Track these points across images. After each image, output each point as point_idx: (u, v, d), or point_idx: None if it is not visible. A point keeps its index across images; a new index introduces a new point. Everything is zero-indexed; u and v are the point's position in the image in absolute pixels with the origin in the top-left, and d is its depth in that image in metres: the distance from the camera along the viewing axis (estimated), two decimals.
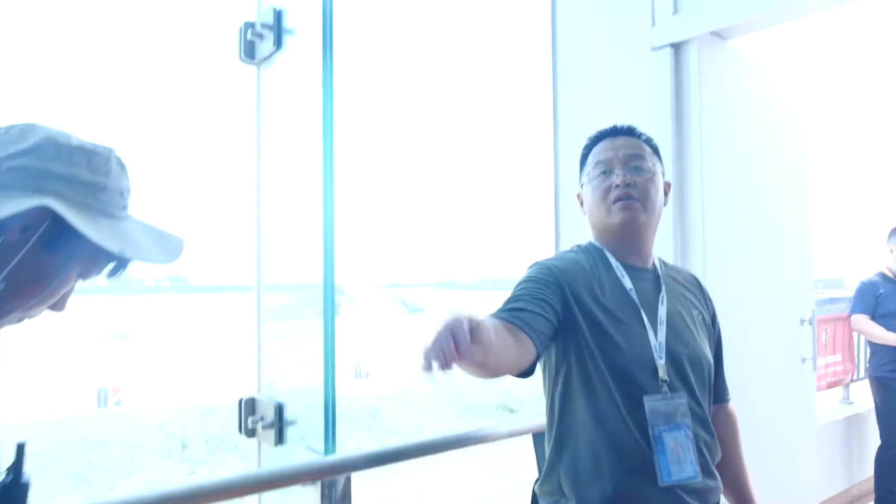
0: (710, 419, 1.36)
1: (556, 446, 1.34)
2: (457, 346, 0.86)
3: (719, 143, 2.34)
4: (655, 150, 1.44)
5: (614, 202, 1.36)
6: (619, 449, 1.26)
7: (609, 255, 1.40)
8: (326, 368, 1.60)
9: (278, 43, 1.85)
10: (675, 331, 1.35)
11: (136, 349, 23.50)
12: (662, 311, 1.35)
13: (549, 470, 1.35)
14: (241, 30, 1.94)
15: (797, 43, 2.86)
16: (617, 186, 1.36)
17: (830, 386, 4.39)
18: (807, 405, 2.71)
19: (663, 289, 1.39)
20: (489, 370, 1.07)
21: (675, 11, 2.32)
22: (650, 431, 1.25)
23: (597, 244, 1.44)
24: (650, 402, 1.26)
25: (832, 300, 4.51)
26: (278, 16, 1.85)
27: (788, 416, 2.62)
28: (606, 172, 1.38)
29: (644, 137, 1.44)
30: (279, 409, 1.80)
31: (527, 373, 1.25)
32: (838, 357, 4.55)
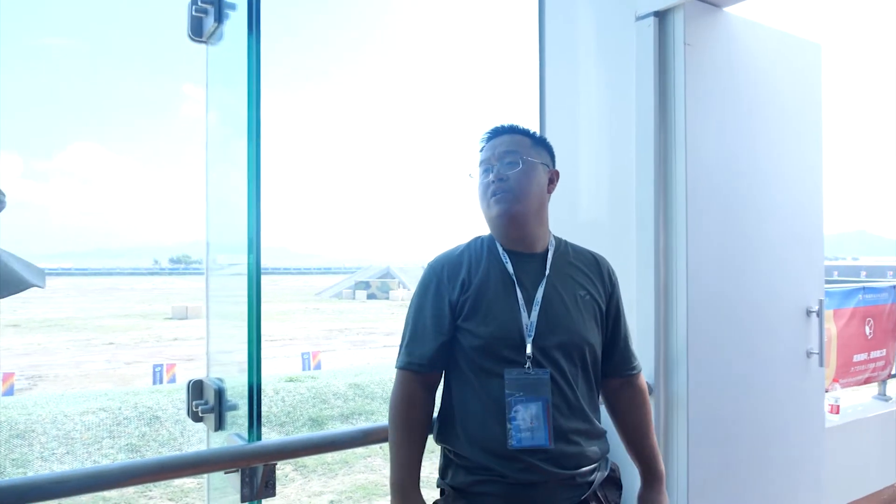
0: (580, 393, 1.47)
1: (442, 408, 1.53)
2: None
3: (709, 118, 2.17)
4: (539, 143, 1.58)
5: (491, 196, 1.52)
6: (479, 415, 1.42)
7: (497, 244, 1.55)
8: (251, 355, 1.55)
9: (219, 18, 1.79)
10: (551, 312, 1.47)
11: (193, 328, 24.32)
12: (539, 293, 1.47)
13: (439, 429, 1.53)
14: (188, 5, 1.88)
15: (809, 6, 2.62)
16: (492, 182, 1.51)
17: (868, 381, 4.13)
18: (814, 403, 2.51)
19: (546, 272, 1.51)
20: None
21: None
22: (505, 401, 1.39)
23: (491, 235, 1.59)
24: (510, 375, 1.41)
25: (872, 290, 4.20)
26: None
27: (793, 414, 2.43)
28: (487, 170, 1.54)
29: (527, 132, 1.58)
30: (219, 394, 1.77)
31: None
32: (882, 352, 4.26)
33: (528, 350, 1.42)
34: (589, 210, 2.44)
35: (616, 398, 1.63)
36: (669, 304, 2.15)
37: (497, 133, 1.58)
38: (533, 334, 1.43)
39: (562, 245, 1.60)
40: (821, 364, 2.48)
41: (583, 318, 1.50)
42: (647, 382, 2.14)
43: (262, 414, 1.60)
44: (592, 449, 1.47)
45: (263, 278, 1.63)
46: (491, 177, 1.52)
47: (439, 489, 1.54)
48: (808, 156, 2.50)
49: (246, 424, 1.57)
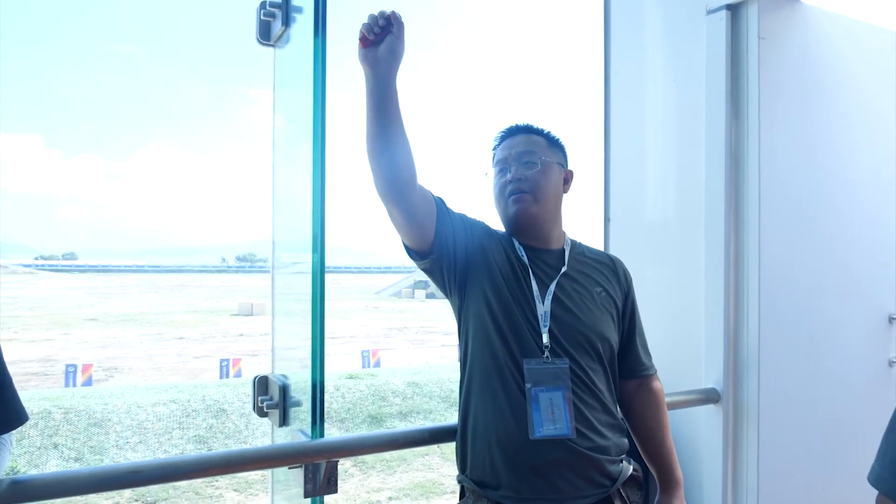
0: (599, 386, 1.44)
1: (463, 398, 1.48)
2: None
3: (784, 114, 2.07)
4: (554, 143, 1.57)
5: (509, 196, 1.51)
6: (501, 402, 1.39)
7: (514, 240, 1.54)
8: (314, 354, 1.58)
9: (286, 21, 1.82)
10: (567, 303, 1.46)
11: (258, 324, 25.05)
12: (553, 285, 1.47)
13: (461, 419, 1.49)
14: (257, 10, 1.93)
15: None
16: (510, 182, 1.51)
17: None
18: None
19: (564, 267, 1.51)
20: (386, 136, 1.35)
21: None
22: (526, 390, 1.37)
23: (506, 232, 1.58)
24: (529, 364, 1.39)
25: None
26: None
27: (873, 426, 2.30)
28: (504, 170, 1.53)
29: (542, 132, 1.57)
30: (284, 390, 1.80)
31: (414, 251, 1.46)
32: None
33: (545, 339, 1.41)
34: (655, 209, 2.37)
35: (631, 400, 1.59)
36: (740, 308, 2.07)
37: (512, 133, 1.58)
38: (548, 324, 1.42)
39: (577, 245, 1.60)
40: None
41: (600, 313, 1.49)
42: (714, 389, 2.08)
43: (325, 409, 1.62)
44: (614, 441, 1.44)
45: (325, 276, 1.65)
46: (508, 176, 1.51)
47: (460, 485, 1.51)
48: (892, 153, 2.36)
49: (309, 421, 1.60)
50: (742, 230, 2.07)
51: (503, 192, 1.52)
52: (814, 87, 2.16)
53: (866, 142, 2.28)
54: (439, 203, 1.46)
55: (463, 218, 1.51)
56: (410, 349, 19.56)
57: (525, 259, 1.50)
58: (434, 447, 7.63)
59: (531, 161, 1.51)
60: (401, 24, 1.37)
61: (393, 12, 1.36)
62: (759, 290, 2.02)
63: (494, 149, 1.60)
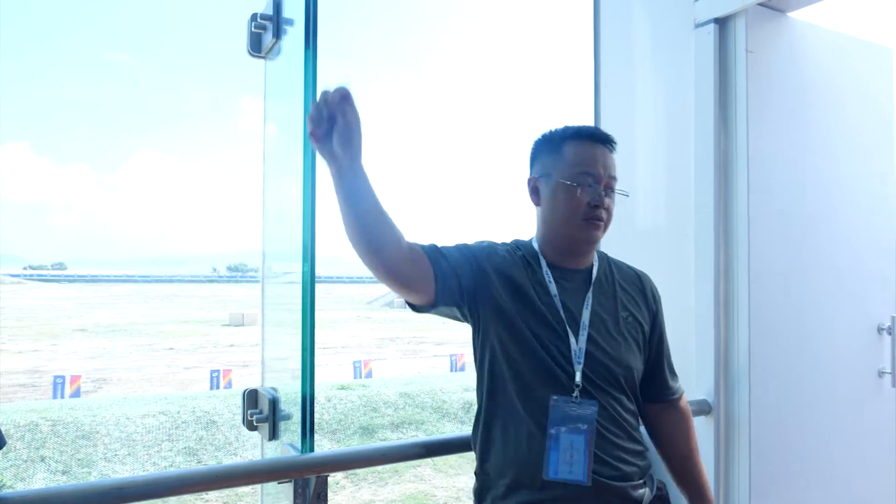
0: (624, 415, 1.39)
1: (483, 430, 1.41)
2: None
3: (772, 126, 2.09)
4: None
5: (587, 219, 1.38)
6: (521, 440, 1.33)
7: (542, 259, 1.43)
8: (304, 366, 1.57)
9: (277, 34, 1.83)
10: (597, 337, 1.38)
11: (249, 335, 24.91)
12: (585, 316, 1.38)
13: (480, 452, 1.42)
14: (248, 22, 1.93)
15: (888, 8, 2.51)
16: (596, 207, 1.38)
17: None
18: (886, 425, 2.38)
19: (590, 291, 1.42)
20: (363, 227, 1.23)
21: None
22: (547, 429, 1.31)
23: (534, 246, 1.47)
24: (556, 403, 1.32)
25: None
26: (277, 6, 1.82)
27: (863, 436, 2.31)
28: (591, 187, 1.38)
29: (616, 149, 1.45)
30: (273, 403, 1.78)
31: (420, 307, 1.36)
32: None
33: (578, 378, 1.34)
34: (645, 219, 2.38)
35: (658, 423, 1.54)
36: (730, 319, 2.08)
37: (601, 141, 1.44)
38: (582, 362, 1.35)
39: (604, 261, 1.51)
40: (894, 384, 2.35)
41: (626, 343, 1.42)
42: (705, 400, 2.08)
43: (314, 422, 1.60)
44: (638, 466, 1.40)
45: (316, 287, 1.63)
46: (598, 201, 1.39)
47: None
48: (879, 165, 2.39)
49: (299, 434, 1.58)
50: (731, 241, 2.08)
51: (580, 209, 1.39)
52: (801, 98, 2.18)
53: (852, 152, 2.30)
54: (432, 255, 1.33)
55: (463, 253, 1.38)
56: (402, 359, 19.49)
57: (553, 286, 1.40)
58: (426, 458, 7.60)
59: (614, 189, 1.42)
60: (348, 102, 1.17)
61: (337, 89, 1.17)
62: (748, 300, 2.03)
63: (561, 139, 1.43)
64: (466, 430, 1.62)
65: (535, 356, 1.34)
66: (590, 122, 2.52)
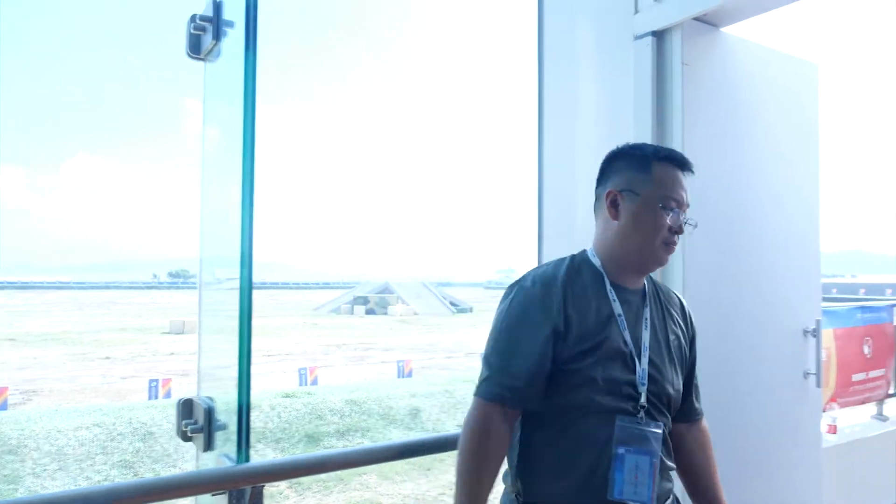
0: (669, 441, 1.42)
1: (534, 449, 1.39)
2: None
3: (706, 136, 2.16)
4: None
5: (665, 244, 1.41)
6: (574, 458, 1.33)
7: (605, 278, 1.43)
8: (241, 374, 1.53)
9: (217, 36, 1.79)
10: (655, 359, 1.41)
11: (190, 343, 24.22)
12: (646, 337, 1.41)
13: (516, 468, 1.41)
14: (187, 23, 1.88)
15: (813, 27, 2.63)
16: (675, 233, 1.41)
17: (866, 402, 4.10)
18: (811, 423, 2.49)
19: (647, 311, 1.44)
20: None
21: None
22: (613, 449, 1.31)
23: (595, 263, 1.46)
24: (622, 423, 1.33)
25: (871, 309, 4.18)
26: (217, 7, 1.78)
27: (789, 435, 2.41)
28: (675, 212, 1.40)
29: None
30: (209, 413, 1.74)
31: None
32: (881, 372, 4.25)
33: (643, 400, 1.36)
34: (586, 228, 2.42)
35: (681, 441, 1.55)
36: None
37: (685, 167, 1.46)
38: (646, 384, 1.37)
39: (650, 281, 1.53)
40: (818, 384, 2.46)
41: (673, 365, 1.46)
42: None
43: (258, 430, 1.57)
44: (670, 485, 1.45)
45: (262, 293, 1.62)
46: (678, 228, 1.42)
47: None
48: (805, 174, 2.50)
49: (235, 444, 1.55)
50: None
51: (660, 235, 1.40)
52: (732, 110, 2.27)
53: (779, 162, 2.41)
54: (518, 402, 1.36)
55: (534, 341, 1.36)
56: (349, 366, 19.29)
57: (617, 305, 1.41)
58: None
59: (689, 221, 1.45)
60: None
61: None
62: None
63: (649, 159, 1.44)
64: (413, 436, 1.61)
65: (604, 376, 1.34)
66: (534, 131, 2.57)
